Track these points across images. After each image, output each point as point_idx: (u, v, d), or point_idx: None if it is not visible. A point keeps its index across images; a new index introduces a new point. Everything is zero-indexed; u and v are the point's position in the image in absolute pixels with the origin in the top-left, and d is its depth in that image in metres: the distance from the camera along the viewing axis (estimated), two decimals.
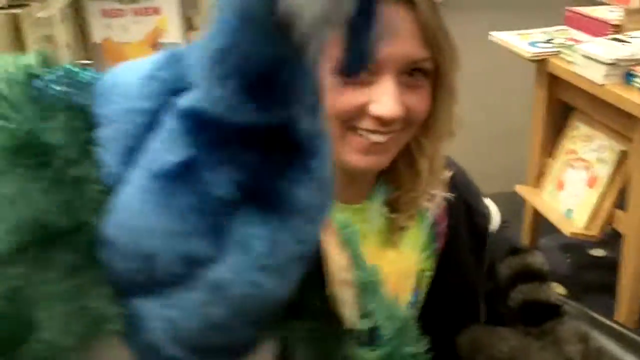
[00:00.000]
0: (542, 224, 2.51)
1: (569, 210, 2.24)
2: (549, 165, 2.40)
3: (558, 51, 2.20)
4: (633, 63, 1.93)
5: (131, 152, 0.39)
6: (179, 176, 0.37)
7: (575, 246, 2.59)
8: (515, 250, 0.94)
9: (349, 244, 0.52)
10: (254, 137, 0.36)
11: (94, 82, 0.42)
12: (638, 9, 2.14)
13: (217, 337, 0.40)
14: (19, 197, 0.37)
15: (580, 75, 2.06)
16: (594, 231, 2.15)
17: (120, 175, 0.39)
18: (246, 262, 0.37)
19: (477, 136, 2.89)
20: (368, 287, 0.51)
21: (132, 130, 0.39)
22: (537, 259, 0.92)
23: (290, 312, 0.43)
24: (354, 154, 0.80)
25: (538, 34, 2.33)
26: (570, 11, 2.31)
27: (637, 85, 1.90)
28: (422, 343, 0.54)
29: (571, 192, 2.26)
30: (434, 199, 0.94)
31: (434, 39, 0.78)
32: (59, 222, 0.38)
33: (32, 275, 0.37)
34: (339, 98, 0.77)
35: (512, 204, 2.61)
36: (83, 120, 0.40)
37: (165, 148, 0.37)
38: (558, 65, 2.19)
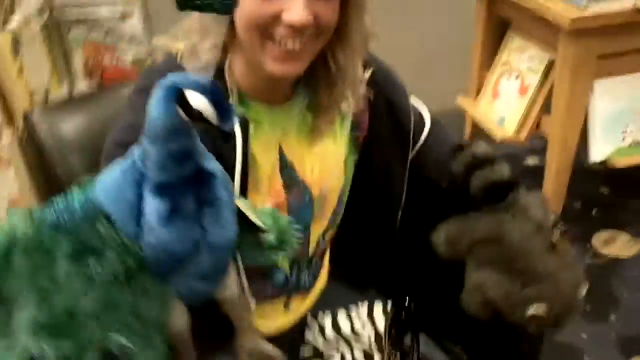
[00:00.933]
0: (482, 136, 2.67)
1: (502, 119, 2.41)
2: (487, 77, 2.55)
3: None
4: None
5: (138, 218, 0.69)
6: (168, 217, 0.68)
7: (512, 156, 2.77)
8: (460, 147, 1.02)
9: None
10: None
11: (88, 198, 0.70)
12: None
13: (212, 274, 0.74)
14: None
15: None
16: (522, 136, 2.33)
17: (139, 232, 0.69)
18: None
19: (423, 52, 3.03)
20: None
21: (130, 210, 0.69)
22: (481, 146, 1.00)
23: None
24: (271, 61, 0.89)
25: None
26: None
27: None
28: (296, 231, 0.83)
29: (504, 101, 2.43)
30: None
31: None
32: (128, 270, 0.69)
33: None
34: (256, 9, 0.86)
35: (456, 117, 2.78)
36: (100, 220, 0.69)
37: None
38: None
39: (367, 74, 1.06)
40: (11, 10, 1.62)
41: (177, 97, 0.65)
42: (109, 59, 1.84)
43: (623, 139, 2.23)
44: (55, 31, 1.81)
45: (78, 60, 1.85)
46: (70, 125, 1.28)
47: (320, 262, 1.15)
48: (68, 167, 1.23)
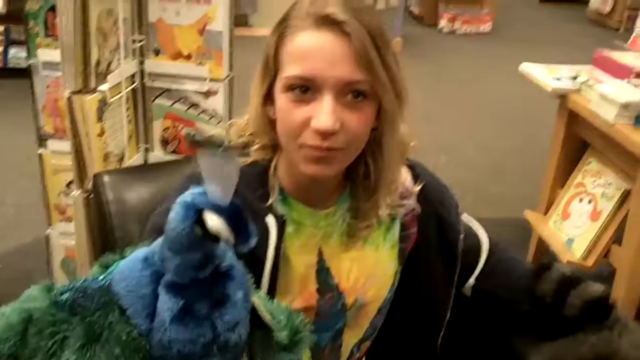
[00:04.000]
0: (547, 254, 2.60)
1: (570, 240, 2.34)
2: (559, 196, 2.50)
3: (579, 88, 2.31)
4: None
5: (152, 314, 0.70)
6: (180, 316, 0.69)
7: None
8: (542, 268, 1.01)
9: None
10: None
11: (106, 286, 0.72)
12: None
13: None
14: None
15: (594, 113, 2.17)
16: (590, 262, 2.25)
17: (151, 328, 0.70)
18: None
19: (499, 161, 3.01)
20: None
21: (145, 305, 0.70)
22: (566, 267, 0.99)
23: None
24: (303, 163, 0.91)
25: (565, 70, 2.44)
26: (599, 53, 2.41)
27: None
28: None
29: (574, 223, 2.36)
30: (402, 207, 1.05)
31: (368, 64, 0.87)
32: None
33: None
34: (289, 114, 0.89)
35: (524, 230, 2.72)
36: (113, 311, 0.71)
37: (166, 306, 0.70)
38: (577, 102, 2.30)
39: (417, 188, 1.06)
40: (105, 74, 1.71)
41: (196, 216, 0.66)
42: (187, 131, 1.91)
43: None
44: (141, 98, 1.90)
45: (157, 129, 1.92)
46: (135, 193, 1.32)
47: None
48: (126, 233, 1.26)
